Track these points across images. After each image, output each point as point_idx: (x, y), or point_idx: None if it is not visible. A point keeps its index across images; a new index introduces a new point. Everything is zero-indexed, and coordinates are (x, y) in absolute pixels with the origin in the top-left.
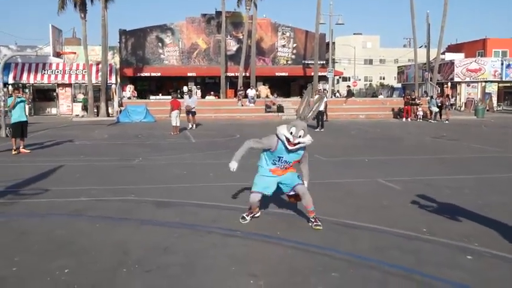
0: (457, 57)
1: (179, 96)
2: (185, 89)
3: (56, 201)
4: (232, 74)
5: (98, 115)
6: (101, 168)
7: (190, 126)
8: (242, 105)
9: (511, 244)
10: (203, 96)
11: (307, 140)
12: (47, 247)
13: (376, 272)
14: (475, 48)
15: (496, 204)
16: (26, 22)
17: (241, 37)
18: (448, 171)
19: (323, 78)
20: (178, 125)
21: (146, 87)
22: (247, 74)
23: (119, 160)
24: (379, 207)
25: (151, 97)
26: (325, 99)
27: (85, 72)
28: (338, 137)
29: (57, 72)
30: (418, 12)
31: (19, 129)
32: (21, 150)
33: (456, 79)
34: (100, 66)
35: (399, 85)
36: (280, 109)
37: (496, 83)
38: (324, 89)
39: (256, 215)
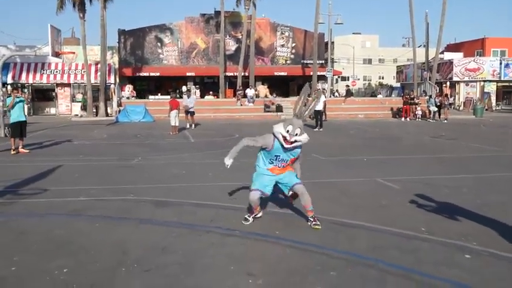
0: (456, 57)
1: (178, 96)
2: (184, 88)
3: (54, 201)
4: (231, 74)
5: (96, 115)
6: (100, 168)
7: (188, 126)
8: (241, 105)
9: (509, 243)
10: (202, 96)
11: (304, 138)
12: (46, 247)
13: (375, 271)
14: (474, 47)
15: (495, 204)
16: (25, 22)
17: (240, 37)
18: (447, 170)
19: (322, 78)
20: (177, 124)
21: (145, 87)
22: (246, 74)
23: (117, 160)
24: (378, 207)
25: (150, 97)
26: (323, 99)
27: (84, 72)
28: (337, 137)
29: (56, 72)
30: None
31: (18, 129)
32: (20, 150)
33: (455, 78)
34: (99, 66)
35: (398, 84)
36: (279, 109)
37: (495, 83)
38: (323, 89)
39: (258, 215)
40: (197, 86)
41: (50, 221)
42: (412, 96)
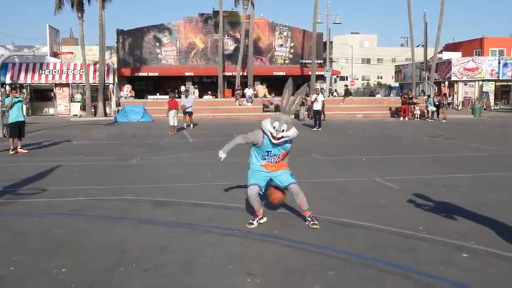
0: (454, 56)
1: (177, 95)
2: (182, 88)
3: (53, 200)
4: (230, 74)
5: (95, 115)
6: (98, 168)
7: (185, 126)
8: (240, 105)
9: (507, 242)
10: (201, 96)
11: (292, 133)
12: (44, 246)
13: (373, 270)
14: (472, 47)
15: (493, 203)
16: (23, 22)
17: (238, 36)
18: (445, 170)
19: (320, 78)
20: (175, 124)
21: (144, 87)
22: (245, 74)
23: (116, 160)
24: (376, 206)
25: (149, 97)
26: (322, 98)
27: (82, 72)
28: (335, 136)
29: (55, 72)
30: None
31: (16, 129)
32: (19, 150)
33: (453, 78)
34: (97, 66)
35: (397, 84)
36: (277, 108)
37: (493, 82)
38: (322, 88)
39: (262, 220)
40: (196, 86)
41: (49, 220)
42: (411, 96)
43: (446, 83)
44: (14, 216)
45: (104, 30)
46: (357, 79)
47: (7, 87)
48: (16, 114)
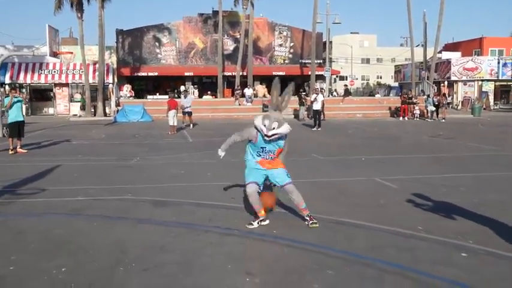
0: (454, 56)
1: (176, 95)
2: (182, 88)
3: (53, 200)
4: (230, 74)
5: (95, 115)
6: (98, 168)
7: (184, 125)
8: (239, 105)
9: (506, 242)
10: (200, 96)
11: (283, 130)
12: (44, 246)
13: (372, 269)
14: (472, 47)
15: (492, 203)
16: (23, 22)
17: (238, 36)
18: (445, 170)
19: (320, 77)
20: (175, 124)
21: (143, 87)
22: (245, 74)
23: (116, 160)
24: (376, 206)
25: (149, 97)
26: (321, 98)
27: (82, 72)
28: (335, 136)
29: (54, 72)
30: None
31: (16, 129)
32: (18, 150)
33: (453, 78)
34: (97, 66)
35: (396, 84)
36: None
37: (493, 82)
38: (321, 88)
39: (264, 223)
40: (195, 86)
41: (48, 220)
42: (410, 96)
43: (446, 82)
44: (13, 216)
45: (104, 30)
46: (357, 79)
47: (6, 87)
48: (15, 114)
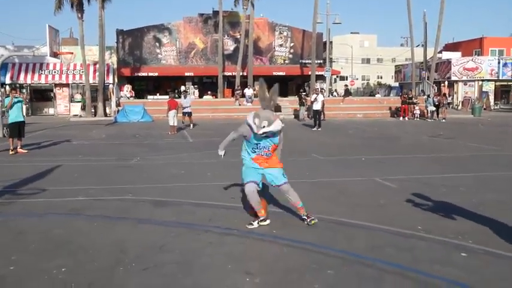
0: (454, 56)
1: (177, 96)
2: (182, 88)
3: (53, 200)
4: (230, 74)
5: (95, 115)
6: (98, 168)
7: (184, 125)
8: (240, 105)
9: (505, 242)
10: (201, 96)
11: (274, 127)
12: (44, 246)
13: (371, 269)
14: (472, 47)
15: (492, 203)
16: (23, 22)
17: (238, 37)
18: (445, 169)
19: (320, 78)
20: (175, 124)
21: (144, 87)
22: (245, 74)
23: (116, 160)
24: (376, 206)
25: (149, 97)
26: (322, 98)
27: (82, 72)
28: (335, 136)
29: (55, 72)
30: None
31: (16, 130)
32: (19, 150)
33: (453, 78)
34: (97, 66)
35: (396, 84)
36: (277, 108)
37: (493, 82)
38: (322, 88)
39: (264, 223)
40: (196, 86)
41: (49, 220)
42: (411, 96)
43: (446, 82)
44: (13, 216)
45: (104, 30)
46: (357, 79)
47: (7, 88)
48: (16, 115)
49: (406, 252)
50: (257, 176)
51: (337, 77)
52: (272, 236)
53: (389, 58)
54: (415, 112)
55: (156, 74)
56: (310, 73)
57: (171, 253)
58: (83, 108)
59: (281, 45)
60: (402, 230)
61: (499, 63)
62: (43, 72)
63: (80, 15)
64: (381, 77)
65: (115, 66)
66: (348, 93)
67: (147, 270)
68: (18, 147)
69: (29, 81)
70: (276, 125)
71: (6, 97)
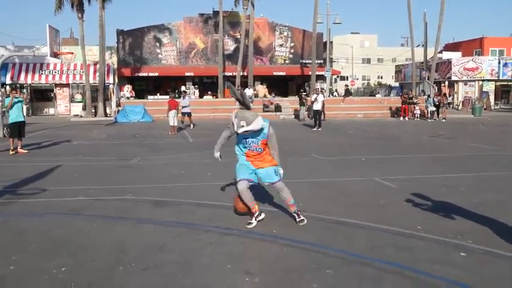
0: (454, 56)
1: (177, 96)
2: (183, 88)
3: (53, 200)
4: (230, 74)
5: (95, 115)
6: (98, 168)
7: (183, 126)
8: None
9: (505, 242)
10: (201, 96)
11: (253, 127)
12: (44, 246)
13: (371, 269)
14: (472, 47)
15: (492, 203)
16: (23, 22)
17: (238, 37)
18: (445, 169)
19: (321, 78)
20: (175, 124)
21: (144, 87)
22: (245, 74)
23: (116, 160)
24: (376, 206)
25: (149, 97)
26: (322, 98)
27: (83, 72)
28: (335, 136)
29: (55, 72)
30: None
31: (16, 130)
32: (19, 150)
33: (453, 78)
34: (98, 66)
35: (397, 84)
36: (277, 108)
37: (493, 82)
38: (322, 88)
39: (260, 217)
40: (196, 86)
41: (49, 220)
42: (411, 96)
43: (446, 82)
44: (14, 216)
45: (104, 30)
46: (357, 79)
47: (7, 88)
48: (16, 115)
49: (405, 252)
50: (250, 173)
51: (338, 77)
52: (272, 236)
53: (389, 58)
54: (415, 112)
55: (157, 74)
56: (310, 73)
57: (171, 253)
58: (84, 108)
59: (281, 45)
60: (402, 229)
61: (499, 63)
62: (43, 72)
63: (80, 15)
64: (381, 77)
65: (115, 66)
66: (348, 93)
67: (147, 270)
68: (19, 147)
69: (29, 81)
70: (255, 125)
71: (6, 97)
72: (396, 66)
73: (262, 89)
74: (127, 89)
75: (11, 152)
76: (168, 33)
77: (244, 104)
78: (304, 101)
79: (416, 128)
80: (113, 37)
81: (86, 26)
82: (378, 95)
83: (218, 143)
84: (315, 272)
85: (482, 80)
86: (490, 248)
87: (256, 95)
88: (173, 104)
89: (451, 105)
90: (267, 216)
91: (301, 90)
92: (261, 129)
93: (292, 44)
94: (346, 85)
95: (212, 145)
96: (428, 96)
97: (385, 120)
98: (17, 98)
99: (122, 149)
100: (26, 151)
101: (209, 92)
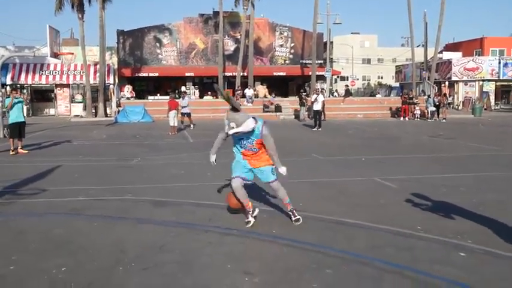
0: (455, 56)
1: (177, 96)
2: (183, 89)
3: (53, 200)
4: (230, 74)
5: (96, 115)
6: (99, 168)
7: (183, 126)
8: (240, 105)
9: (505, 242)
10: (201, 96)
11: (243, 128)
12: (44, 246)
13: (371, 269)
14: (473, 47)
15: (492, 203)
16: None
17: (238, 37)
18: (445, 169)
19: (321, 78)
20: (175, 125)
21: (144, 88)
22: (245, 74)
23: (117, 160)
24: (376, 206)
25: (149, 97)
26: (322, 99)
27: (83, 72)
28: (335, 136)
29: (55, 72)
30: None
31: (17, 130)
32: (19, 150)
33: (454, 78)
34: (98, 66)
35: (397, 84)
36: (278, 109)
37: (494, 82)
38: (322, 89)
39: (255, 214)
40: (196, 86)
41: (49, 220)
42: (411, 96)
43: (447, 83)
44: (14, 216)
45: (104, 30)
46: (358, 79)
47: (8, 88)
48: (16, 115)
49: (405, 252)
50: (245, 172)
51: (338, 77)
52: (272, 235)
53: (389, 58)
54: (415, 112)
55: (157, 75)
56: (310, 73)
57: (171, 253)
58: (85, 108)
59: (281, 46)
60: (402, 229)
61: (499, 63)
62: (44, 72)
63: (80, 16)
64: (382, 77)
65: (115, 66)
66: (348, 93)
67: (147, 270)
68: (19, 147)
69: (29, 81)
70: (245, 127)
71: (6, 98)
72: (396, 66)
73: (262, 89)
74: (127, 90)
75: (11, 153)
76: (168, 34)
77: (233, 106)
78: (304, 101)
79: (417, 128)
80: (113, 37)
81: (86, 27)
82: (378, 95)
83: (214, 145)
84: (315, 271)
85: (483, 80)
86: (489, 248)
87: (256, 96)
88: (173, 104)
89: (451, 106)
90: (267, 216)
91: (302, 91)
92: (253, 130)
93: (292, 44)
94: (347, 85)
95: (212, 145)
96: (429, 96)
97: (385, 120)
98: (17, 98)
99: (122, 149)
100: (26, 151)
101: (209, 92)
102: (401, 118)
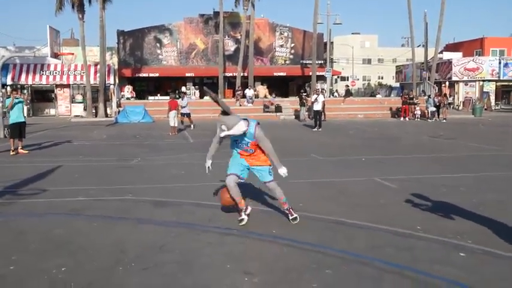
0: (455, 57)
1: (177, 96)
2: (183, 89)
3: (54, 201)
4: (231, 74)
5: (96, 116)
6: (99, 169)
7: (183, 126)
8: (240, 105)
9: (505, 242)
10: (201, 97)
11: (234, 131)
12: (44, 246)
13: (370, 268)
14: (473, 47)
15: (492, 203)
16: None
17: (239, 37)
18: (445, 169)
19: (321, 78)
20: (176, 125)
21: (144, 88)
22: (246, 74)
23: (117, 160)
24: (376, 206)
25: (150, 98)
26: (322, 99)
27: (83, 73)
28: (336, 137)
29: (56, 73)
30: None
31: (17, 130)
32: (20, 150)
33: (454, 78)
34: (98, 67)
35: (397, 84)
36: (278, 109)
37: (494, 82)
38: (322, 89)
39: (248, 211)
40: (196, 87)
41: (49, 220)
42: (411, 96)
43: (447, 83)
44: (14, 216)
45: (105, 31)
46: (358, 79)
47: (8, 88)
48: (17, 115)
49: (405, 252)
50: (241, 169)
51: (338, 77)
52: (272, 236)
53: (390, 58)
54: (415, 112)
55: (157, 75)
56: (311, 74)
57: (171, 253)
58: (85, 108)
59: (282, 46)
60: (402, 229)
61: (499, 63)
62: (44, 73)
63: (80, 16)
64: (382, 78)
65: (116, 67)
66: (348, 93)
67: (147, 270)
68: (19, 147)
69: (30, 82)
70: (236, 130)
71: (7, 98)
72: (397, 66)
73: (262, 90)
74: (127, 90)
75: (11, 153)
76: (168, 34)
77: (223, 109)
78: (304, 101)
79: (417, 129)
80: (114, 38)
81: (86, 27)
82: (378, 96)
83: (210, 149)
84: (315, 271)
85: (483, 80)
86: (489, 248)
87: (256, 96)
88: (173, 104)
89: (451, 106)
90: (267, 217)
91: (302, 91)
92: (246, 133)
93: (292, 45)
94: (347, 85)
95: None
96: (429, 96)
97: (385, 120)
98: (17, 98)
99: (123, 149)
100: (27, 152)
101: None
102: (402, 118)
